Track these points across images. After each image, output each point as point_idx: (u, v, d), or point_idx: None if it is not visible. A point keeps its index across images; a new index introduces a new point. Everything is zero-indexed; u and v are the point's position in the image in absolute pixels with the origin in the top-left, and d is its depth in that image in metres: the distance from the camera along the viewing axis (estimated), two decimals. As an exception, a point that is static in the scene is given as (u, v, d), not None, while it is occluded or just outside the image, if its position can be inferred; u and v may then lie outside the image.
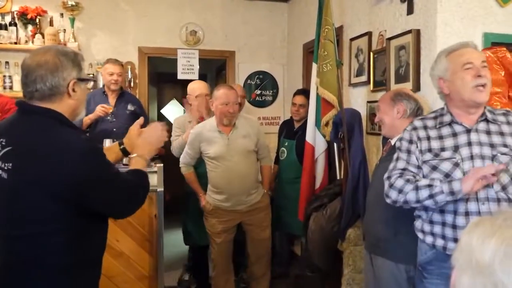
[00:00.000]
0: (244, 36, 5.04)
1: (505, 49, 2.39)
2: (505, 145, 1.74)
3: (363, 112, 3.22)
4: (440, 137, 1.81)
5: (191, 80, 4.72)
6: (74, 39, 4.43)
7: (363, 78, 3.32)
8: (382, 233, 2.20)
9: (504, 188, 1.69)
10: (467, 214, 1.71)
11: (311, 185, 3.29)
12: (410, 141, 1.88)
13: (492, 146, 1.73)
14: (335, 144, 3.21)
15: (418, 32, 2.69)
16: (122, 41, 4.72)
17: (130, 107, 3.93)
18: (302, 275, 3.25)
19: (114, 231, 2.83)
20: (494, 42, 2.54)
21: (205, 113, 3.59)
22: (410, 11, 2.78)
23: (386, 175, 1.91)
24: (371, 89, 3.18)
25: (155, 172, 3.01)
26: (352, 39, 3.49)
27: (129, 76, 4.67)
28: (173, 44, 4.83)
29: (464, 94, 1.75)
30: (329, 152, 3.32)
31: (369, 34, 3.24)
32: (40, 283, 1.51)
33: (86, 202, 1.51)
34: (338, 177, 3.20)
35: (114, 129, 3.73)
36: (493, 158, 1.71)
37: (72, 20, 4.46)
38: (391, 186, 1.84)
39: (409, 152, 1.87)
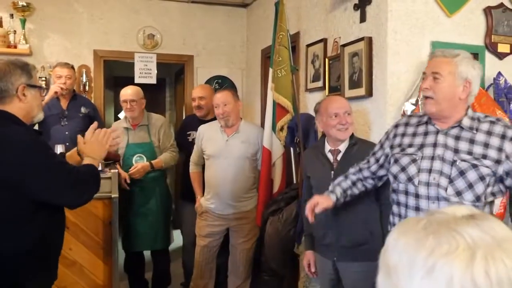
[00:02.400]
0: (203, 40, 5.02)
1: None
2: (469, 153, 1.72)
3: (319, 117, 3.27)
4: (414, 134, 1.89)
5: (150, 84, 4.69)
6: (25, 40, 4.28)
7: (319, 83, 3.38)
8: (360, 237, 2.26)
9: (458, 193, 1.70)
10: (417, 209, 1.79)
11: (269, 189, 3.31)
12: (387, 137, 2.03)
13: (456, 151, 1.74)
14: (291, 149, 3.25)
15: (370, 39, 2.76)
16: (76, 43, 4.60)
17: (83, 110, 3.83)
18: (259, 279, 3.26)
19: (67, 240, 2.72)
20: (441, 50, 2.65)
21: (140, 118, 3.56)
22: (362, 19, 2.86)
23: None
24: (327, 94, 3.24)
25: (109, 178, 2.95)
26: (308, 45, 3.55)
27: (84, 80, 4.55)
28: (130, 47, 4.75)
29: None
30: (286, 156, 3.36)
31: (324, 40, 3.30)
32: None
33: (31, 191, 1.68)
34: (294, 181, 3.23)
35: (67, 133, 3.63)
36: (452, 163, 1.73)
37: (23, 21, 4.30)
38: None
39: (381, 146, 2.05)
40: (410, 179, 1.82)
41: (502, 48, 2.84)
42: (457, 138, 1.76)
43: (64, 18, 4.55)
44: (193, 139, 3.60)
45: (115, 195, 2.92)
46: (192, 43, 4.99)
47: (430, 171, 1.76)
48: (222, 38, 5.09)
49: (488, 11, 2.80)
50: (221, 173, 3.15)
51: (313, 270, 2.50)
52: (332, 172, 2.33)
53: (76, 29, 4.59)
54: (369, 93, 2.77)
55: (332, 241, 2.32)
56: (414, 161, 1.82)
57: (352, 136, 2.39)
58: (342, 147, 2.37)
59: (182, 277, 3.82)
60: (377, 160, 2.04)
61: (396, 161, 1.90)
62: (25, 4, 4.26)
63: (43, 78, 4.29)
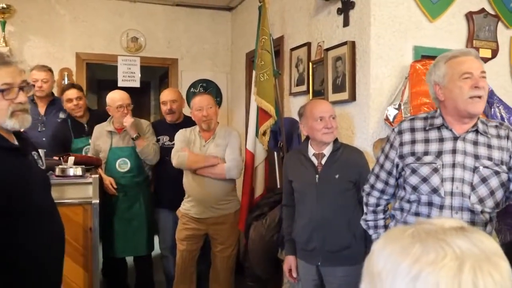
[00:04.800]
0: (187, 44, 4.99)
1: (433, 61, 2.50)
2: (490, 158, 1.69)
3: (303, 121, 3.26)
4: (426, 141, 1.77)
5: (134, 88, 4.63)
6: (5, 43, 4.21)
7: (303, 87, 3.37)
8: (345, 240, 2.26)
9: (481, 200, 1.67)
10: None
11: (252, 194, 3.29)
12: (392, 145, 1.87)
13: (476, 157, 1.69)
14: (275, 153, 3.23)
15: (353, 43, 2.76)
16: (59, 46, 4.53)
17: (61, 115, 3.75)
18: (242, 284, 3.23)
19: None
20: (424, 55, 2.66)
21: (129, 123, 3.42)
22: (346, 23, 2.86)
23: (365, 185, 2.01)
24: (311, 98, 3.23)
25: (90, 183, 2.90)
26: (292, 49, 3.54)
27: (66, 83, 4.48)
28: (113, 50, 4.70)
29: (459, 103, 1.68)
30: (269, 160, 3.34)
31: (308, 44, 3.30)
32: None
33: None
34: (278, 186, 3.22)
35: (44, 139, 3.53)
36: (474, 169, 1.68)
37: (3, 24, 4.23)
38: (364, 203, 2.05)
39: (386, 156, 1.89)
40: (435, 190, 1.70)
41: (484, 53, 2.86)
42: (475, 143, 1.71)
43: (45, 21, 4.48)
44: (163, 144, 3.55)
45: (95, 200, 2.87)
46: (176, 46, 4.96)
47: (452, 179, 1.69)
48: (206, 42, 5.06)
49: (469, 16, 2.82)
50: (200, 178, 3.10)
51: (294, 275, 2.48)
52: (317, 176, 2.32)
53: (58, 31, 4.53)
54: (353, 97, 2.77)
55: (317, 246, 2.31)
56: (435, 170, 1.71)
57: (336, 140, 2.39)
58: (327, 150, 2.36)
59: (165, 284, 3.77)
60: (390, 173, 1.89)
61: (414, 171, 1.76)
62: (5, 6, 4.19)
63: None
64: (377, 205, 1.99)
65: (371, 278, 0.68)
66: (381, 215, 2.00)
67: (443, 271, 0.60)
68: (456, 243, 0.64)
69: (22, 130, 1.83)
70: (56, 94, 4.14)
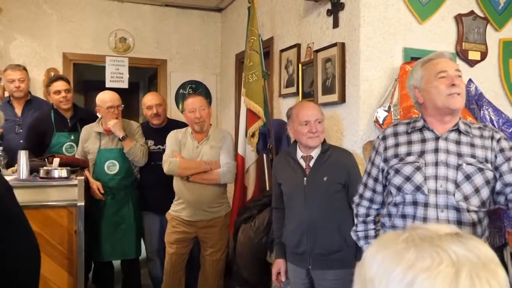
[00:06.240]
0: (176, 44, 4.95)
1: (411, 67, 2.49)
2: (473, 156, 1.71)
3: (292, 123, 3.23)
4: (409, 143, 1.80)
5: (122, 89, 4.57)
6: (-9, 42, 4.14)
7: (293, 89, 3.35)
8: (335, 244, 2.23)
9: (466, 198, 1.67)
10: (425, 219, 1.70)
11: (243, 196, 3.26)
12: (377, 152, 1.90)
13: (459, 155, 1.71)
14: (264, 155, 3.20)
15: (343, 45, 2.75)
16: (45, 46, 4.47)
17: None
18: (231, 288, 3.19)
19: (29, 250, 2.62)
20: (414, 57, 2.65)
21: (118, 126, 3.36)
22: (335, 24, 2.84)
23: (355, 197, 2.01)
24: (300, 100, 3.21)
25: (75, 185, 2.84)
26: (282, 51, 3.52)
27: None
28: (101, 51, 4.64)
29: (438, 102, 1.71)
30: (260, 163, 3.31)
31: (298, 46, 3.28)
32: None
33: None
34: (267, 188, 3.19)
35: (21, 141, 3.41)
36: (458, 167, 1.69)
37: (-11, 23, 4.16)
38: (354, 214, 2.04)
39: (372, 164, 1.91)
40: (418, 188, 1.72)
41: (473, 55, 2.87)
42: (458, 142, 1.74)
43: (32, 20, 4.42)
44: (148, 148, 3.50)
45: (81, 203, 2.81)
46: (166, 47, 4.91)
47: (436, 177, 1.70)
48: (196, 43, 5.02)
49: (459, 18, 2.83)
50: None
51: (283, 279, 2.45)
52: (305, 178, 2.29)
53: (45, 31, 4.46)
54: (342, 99, 2.75)
55: (307, 249, 2.28)
56: (418, 168, 1.72)
57: (324, 142, 2.36)
58: (315, 153, 2.34)
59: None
60: (376, 179, 1.91)
61: (397, 171, 1.78)
62: (-10, 4, 4.12)
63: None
64: (367, 215, 1.98)
65: (363, 285, 0.66)
66: (371, 225, 1.99)
67: (439, 278, 0.59)
68: (452, 249, 0.62)
69: None
70: (42, 94, 4.07)
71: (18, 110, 3.60)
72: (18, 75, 3.59)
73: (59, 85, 3.55)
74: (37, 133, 3.50)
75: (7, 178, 2.80)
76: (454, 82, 1.69)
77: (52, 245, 2.79)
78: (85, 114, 3.73)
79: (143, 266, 3.84)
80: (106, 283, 3.69)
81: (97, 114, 3.48)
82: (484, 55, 2.93)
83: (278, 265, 2.46)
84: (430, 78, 1.73)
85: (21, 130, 3.51)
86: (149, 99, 3.60)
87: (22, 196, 2.75)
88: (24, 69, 3.73)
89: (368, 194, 1.94)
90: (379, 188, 1.91)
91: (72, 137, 3.59)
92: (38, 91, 4.32)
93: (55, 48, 4.50)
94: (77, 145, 3.57)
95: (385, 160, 1.84)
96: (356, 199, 2.01)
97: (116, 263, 3.70)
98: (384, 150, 1.85)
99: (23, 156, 2.83)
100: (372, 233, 1.98)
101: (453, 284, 0.58)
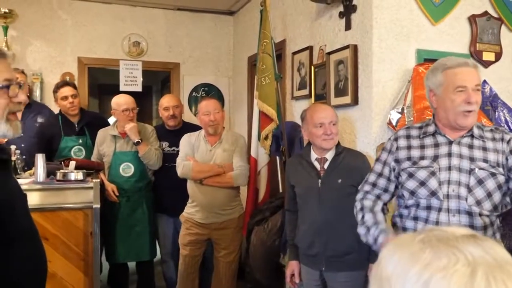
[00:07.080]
0: (189, 48, 4.99)
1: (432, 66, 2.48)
2: (485, 160, 1.71)
3: (305, 125, 3.24)
4: (422, 147, 1.80)
5: (136, 92, 4.62)
6: (7, 47, 4.21)
7: (305, 91, 3.35)
8: (348, 246, 2.22)
9: (478, 203, 1.67)
10: (437, 223, 1.70)
11: (256, 199, 3.27)
12: (389, 151, 1.88)
13: (472, 159, 1.71)
14: (277, 157, 3.21)
15: (355, 47, 2.75)
16: (60, 51, 4.53)
17: (39, 119, 3.71)
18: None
19: (46, 251, 2.66)
20: (427, 59, 2.64)
21: (134, 131, 3.41)
22: (348, 27, 2.84)
23: (358, 194, 1.95)
24: (313, 102, 3.21)
25: (91, 188, 2.88)
26: (294, 53, 3.53)
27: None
28: (115, 55, 4.70)
29: (450, 115, 1.71)
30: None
31: (310, 48, 3.29)
32: None
33: None
34: (280, 190, 3.19)
35: (22, 145, 3.42)
36: (470, 171, 1.69)
37: (5, 28, 4.23)
38: (359, 209, 1.92)
39: (384, 163, 1.89)
40: (433, 193, 1.71)
41: (487, 56, 2.85)
42: (470, 146, 1.73)
43: (47, 25, 4.48)
44: (163, 150, 3.54)
45: (96, 205, 2.85)
46: (178, 51, 4.95)
47: (448, 182, 1.70)
48: (208, 46, 5.06)
49: (472, 19, 2.81)
50: None
51: (297, 281, 2.46)
52: (319, 180, 2.30)
53: (60, 36, 4.53)
54: (355, 101, 2.75)
55: (319, 251, 2.29)
56: (432, 173, 1.73)
57: (338, 145, 2.37)
58: (329, 155, 2.34)
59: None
60: (388, 178, 1.89)
61: (411, 175, 1.78)
62: (7, 10, 4.19)
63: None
64: (373, 207, 1.90)
65: (380, 284, 0.67)
66: (379, 214, 1.87)
67: (455, 277, 0.59)
68: (468, 250, 0.62)
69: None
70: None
71: (19, 114, 3.65)
72: (18, 78, 3.64)
73: (66, 90, 3.61)
74: (46, 138, 3.57)
75: (25, 180, 2.88)
76: (470, 100, 1.67)
77: (68, 247, 2.82)
78: (91, 118, 3.80)
79: (157, 267, 3.88)
80: (121, 285, 3.73)
81: (112, 117, 3.52)
82: (498, 56, 2.91)
83: (292, 267, 2.47)
84: (448, 88, 1.71)
85: (22, 134, 3.56)
86: (166, 101, 3.66)
87: (39, 199, 2.82)
88: (23, 72, 3.79)
89: (376, 192, 1.92)
90: (391, 187, 1.89)
91: (80, 141, 3.65)
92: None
93: (70, 53, 4.57)
94: (85, 149, 3.63)
95: (397, 161, 1.84)
96: (360, 195, 1.96)
97: (131, 264, 3.74)
98: (396, 149, 1.85)
99: (40, 159, 2.88)
100: (381, 217, 1.84)
101: (469, 283, 0.58)
